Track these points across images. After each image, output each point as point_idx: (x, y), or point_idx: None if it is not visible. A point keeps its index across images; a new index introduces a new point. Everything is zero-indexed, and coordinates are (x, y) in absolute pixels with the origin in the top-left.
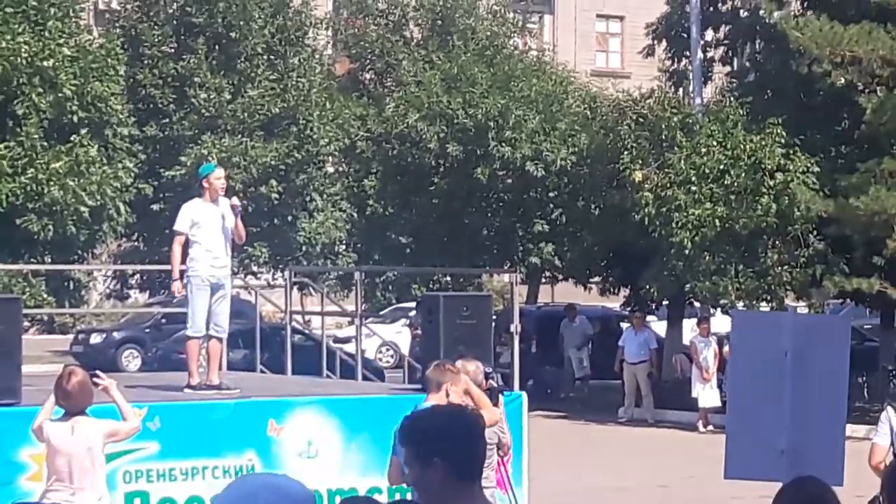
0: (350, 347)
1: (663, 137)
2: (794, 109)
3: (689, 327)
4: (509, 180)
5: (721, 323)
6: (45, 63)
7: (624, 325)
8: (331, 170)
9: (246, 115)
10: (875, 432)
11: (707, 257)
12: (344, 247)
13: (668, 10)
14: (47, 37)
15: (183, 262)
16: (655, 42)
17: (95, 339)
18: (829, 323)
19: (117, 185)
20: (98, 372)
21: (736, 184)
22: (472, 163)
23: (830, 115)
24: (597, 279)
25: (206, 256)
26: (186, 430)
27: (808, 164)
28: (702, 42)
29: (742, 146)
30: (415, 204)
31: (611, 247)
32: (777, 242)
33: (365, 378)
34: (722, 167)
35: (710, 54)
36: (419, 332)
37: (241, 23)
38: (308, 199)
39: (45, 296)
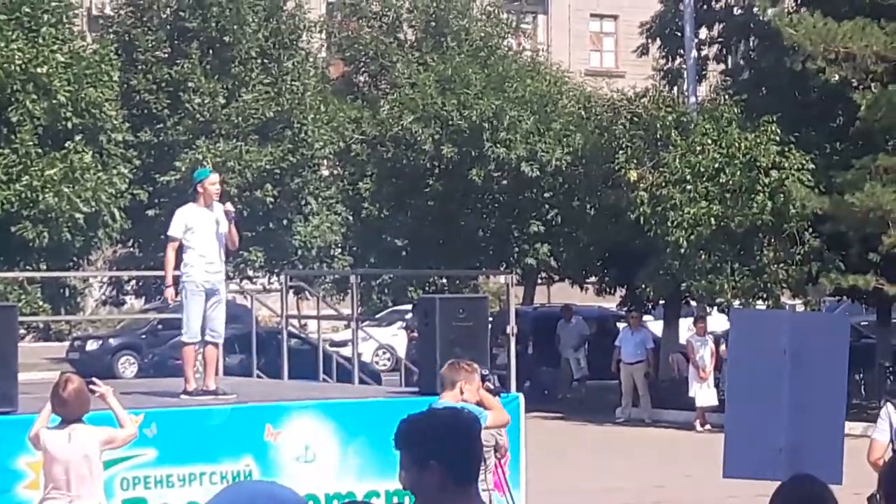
0: (346, 351)
1: (658, 136)
2: (788, 107)
3: (686, 326)
4: (504, 181)
5: (717, 322)
6: (38, 70)
7: (620, 325)
8: (326, 173)
9: (240, 119)
10: (874, 429)
11: (703, 256)
12: (339, 250)
13: (661, 9)
14: (41, 43)
15: (177, 267)
16: (649, 41)
17: (92, 345)
18: (828, 321)
19: (112, 191)
20: (94, 379)
21: (731, 182)
22: (467, 164)
23: (825, 112)
24: (593, 279)
25: (201, 262)
26: (183, 436)
27: (803, 162)
28: (696, 40)
29: (737, 144)
30: (410, 206)
31: (606, 247)
32: (773, 240)
33: (362, 381)
34: (717, 165)
35: (704, 52)
36: (416, 334)
37: (235, 27)
38: (303, 202)
39: (40, 303)
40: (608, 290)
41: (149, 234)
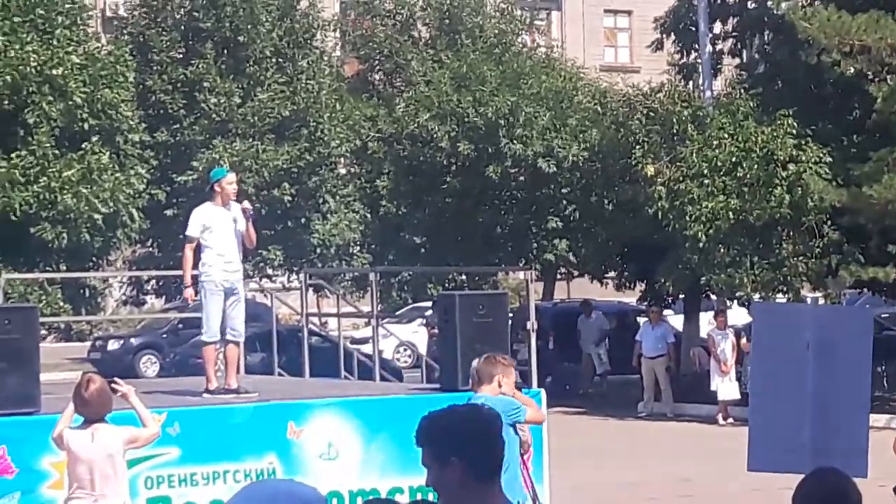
0: (367, 348)
1: (674, 131)
2: (804, 100)
3: (706, 320)
4: (521, 177)
5: (737, 315)
6: (54, 71)
7: (640, 320)
8: (343, 171)
9: (256, 118)
10: None
11: (722, 250)
12: (358, 248)
13: (675, 4)
14: (56, 45)
15: (195, 267)
16: (664, 36)
17: (113, 345)
18: (852, 313)
19: (130, 191)
20: (116, 378)
21: (748, 176)
22: (484, 161)
23: (841, 105)
24: (612, 274)
25: (219, 261)
26: (206, 434)
27: (821, 155)
28: (710, 35)
29: (754, 138)
30: (428, 203)
31: (625, 242)
32: (791, 233)
33: (383, 378)
34: (734, 159)
35: (718, 47)
36: (436, 331)
37: (249, 26)
38: (321, 200)
39: (61, 304)
40: (628, 284)
41: (168, 234)
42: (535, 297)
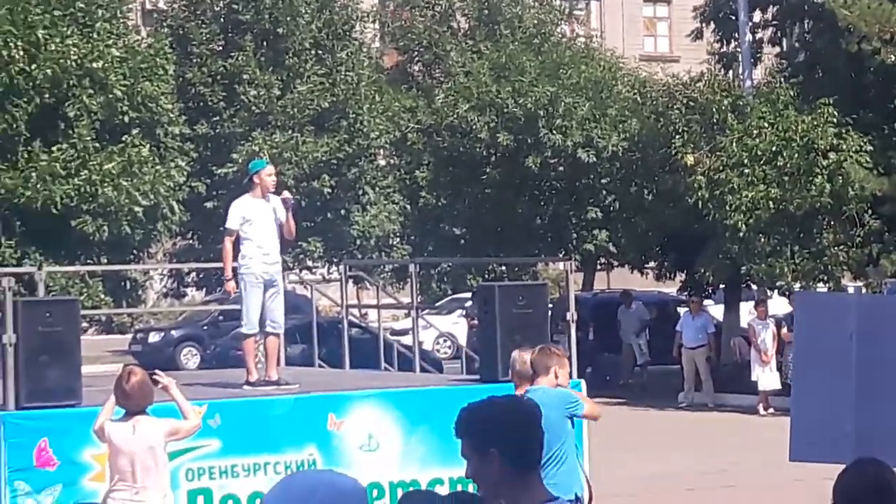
0: (407, 339)
1: (714, 120)
2: (844, 88)
3: (747, 310)
4: (561, 168)
5: (778, 305)
6: (94, 65)
7: (681, 310)
8: (382, 163)
9: (296, 110)
10: None
11: (762, 239)
12: (398, 239)
13: None
14: (96, 38)
15: (235, 259)
16: (703, 25)
17: (154, 337)
18: (895, 303)
19: (170, 184)
20: (157, 371)
21: (789, 165)
22: (524, 151)
23: (882, 93)
24: (652, 264)
25: (258, 253)
26: (247, 426)
27: (861, 143)
28: (750, 23)
29: (794, 127)
30: (467, 194)
31: (665, 232)
32: (832, 222)
33: (423, 370)
34: (774, 149)
35: (758, 35)
36: (476, 322)
37: (288, 18)
38: (360, 192)
39: (102, 296)
40: (668, 274)
41: (208, 226)
42: (574, 287)
